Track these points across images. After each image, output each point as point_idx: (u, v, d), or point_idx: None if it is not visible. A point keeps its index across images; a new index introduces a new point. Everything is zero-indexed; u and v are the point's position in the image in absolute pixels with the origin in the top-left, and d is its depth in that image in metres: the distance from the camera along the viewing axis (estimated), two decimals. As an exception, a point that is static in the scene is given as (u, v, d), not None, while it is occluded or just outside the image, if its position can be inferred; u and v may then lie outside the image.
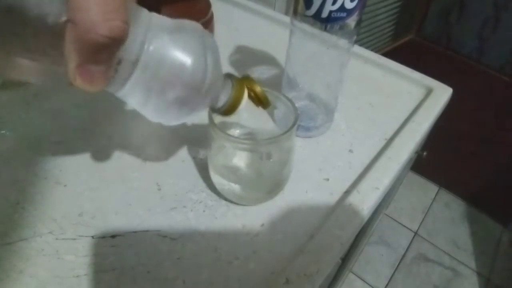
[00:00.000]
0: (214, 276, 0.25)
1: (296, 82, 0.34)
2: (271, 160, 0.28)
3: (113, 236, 0.26)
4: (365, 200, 0.29)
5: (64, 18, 0.14)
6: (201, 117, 0.34)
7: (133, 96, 0.20)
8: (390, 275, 1.24)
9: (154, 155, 0.32)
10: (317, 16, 0.28)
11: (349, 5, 0.27)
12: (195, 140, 0.34)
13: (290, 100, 0.27)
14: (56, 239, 0.26)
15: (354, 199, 0.29)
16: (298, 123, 0.25)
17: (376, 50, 1.29)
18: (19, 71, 0.16)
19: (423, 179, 1.57)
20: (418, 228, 1.39)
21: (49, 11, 0.14)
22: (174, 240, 0.26)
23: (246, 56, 0.46)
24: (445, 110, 0.43)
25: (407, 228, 1.39)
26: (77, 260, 0.25)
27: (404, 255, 1.30)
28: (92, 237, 0.26)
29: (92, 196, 0.29)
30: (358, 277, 1.21)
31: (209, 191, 0.30)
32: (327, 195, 0.30)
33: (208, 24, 0.47)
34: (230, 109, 0.23)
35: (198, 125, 0.35)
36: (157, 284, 0.24)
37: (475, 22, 1.34)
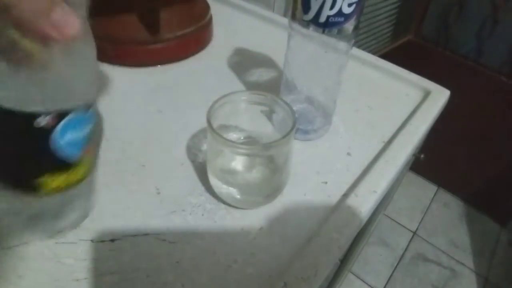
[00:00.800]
0: (213, 280, 0.25)
1: (294, 85, 0.34)
2: (269, 164, 0.28)
3: (112, 240, 0.26)
4: (363, 203, 0.30)
5: None
6: (200, 120, 0.34)
7: None
8: (389, 275, 1.24)
9: (153, 158, 0.32)
10: (315, 21, 0.28)
11: (346, 10, 0.27)
12: (194, 143, 0.34)
13: (288, 105, 0.27)
14: (56, 243, 0.26)
15: (352, 202, 0.30)
16: (296, 127, 0.26)
17: (374, 50, 1.29)
18: None
19: (422, 179, 1.58)
20: (417, 228, 1.40)
21: None
22: (173, 243, 0.26)
23: (245, 58, 0.47)
24: (443, 110, 0.43)
25: (405, 228, 1.40)
26: (76, 264, 0.25)
27: (403, 255, 1.31)
28: (92, 240, 0.26)
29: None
30: (357, 277, 1.22)
31: (208, 195, 0.30)
32: (325, 198, 0.31)
33: (207, 26, 0.47)
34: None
35: (197, 128, 0.35)
36: (156, 288, 0.24)
37: (473, 23, 1.34)
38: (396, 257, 1.30)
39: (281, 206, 0.30)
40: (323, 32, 0.28)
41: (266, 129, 0.31)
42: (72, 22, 0.15)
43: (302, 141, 0.35)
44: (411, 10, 1.38)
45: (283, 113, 0.27)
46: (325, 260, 0.26)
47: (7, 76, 0.16)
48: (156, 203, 0.29)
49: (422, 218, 1.44)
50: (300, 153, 0.34)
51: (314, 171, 0.33)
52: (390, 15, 1.27)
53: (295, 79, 0.34)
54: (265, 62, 0.46)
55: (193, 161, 0.32)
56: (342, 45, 0.30)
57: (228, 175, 0.28)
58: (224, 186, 0.28)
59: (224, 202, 0.29)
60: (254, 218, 0.29)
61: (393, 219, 1.42)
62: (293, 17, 0.29)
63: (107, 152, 0.32)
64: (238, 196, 0.28)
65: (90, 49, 0.19)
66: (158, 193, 0.30)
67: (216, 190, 0.29)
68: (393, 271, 1.25)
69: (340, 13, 0.27)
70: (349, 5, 0.27)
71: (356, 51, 0.48)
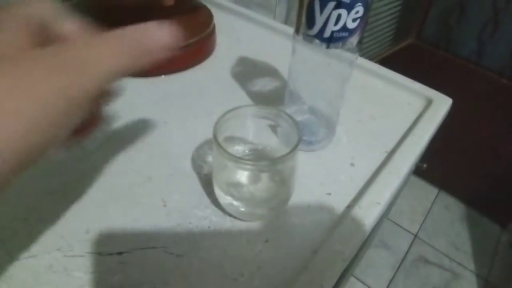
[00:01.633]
0: (219, 293, 0.25)
1: (298, 96, 0.35)
2: (275, 177, 0.29)
3: (119, 253, 0.27)
4: (367, 216, 0.30)
5: None
6: (204, 130, 0.35)
7: None
8: (391, 278, 1.24)
9: (159, 171, 0.33)
10: (319, 36, 0.28)
11: (351, 25, 0.28)
12: (199, 155, 0.34)
13: (292, 119, 0.27)
14: (64, 256, 0.26)
15: (355, 214, 0.30)
16: (300, 142, 0.26)
17: (376, 54, 1.30)
18: None
19: (423, 181, 1.58)
20: (418, 230, 1.40)
21: None
22: (180, 256, 0.27)
23: (248, 67, 0.47)
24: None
25: (407, 230, 1.40)
26: (85, 277, 0.25)
27: (404, 258, 1.31)
28: (100, 253, 0.27)
29: (98, 213, 0.29)
30: (359, 280, 1.22)
31: (213, 207, 0.30)
32: (329, 210, 0.31)
33: (210, 35, 0.48)
34: None
35: (201, 139, 0.35)
36: (164, 301, 0.25)
37: (474, 25, 1.34)
38: (397, 259, 1.30)
39: (286, 218, 0.30)
40: (328, 47, 0.29)
41: (271, 142, 0.32)
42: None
43: (306, 152, 0.36)
44: (412, 13, 1.38)
45: (288, 127, 0.28)
46: (330, 274, 0.26)
47: None
48: (163, 216, 0.29)
49: (423, 221, 1.44)
50: (304, 165, 0.35)
51: (318, 183, 0.33)
52: (391, 19, 1.27)
53: (299, 90, 0.34)
54: (268, 71, 0.46)
55: (198, 173, 0.33)
56: (346, 58, 0.31)
57: (233, 188, 0.29)
58: (230, 199, 0.28)
59: (229, 215, 0.30)
60: (260, 230, 0.29)
61: (394, 222, 1.42)
62: (297, 31, 0.30)
63: (114, 164, 0.33)
64: (243, 209, 0.28)
65: None
66: (165, 205, 0.30)
67: (222, 202, 0.29)
68: (395, 274, 1.25)
69: (344, 28, 0.28)
70: (354, 20, 0.27)
71: (358, 60, 0.48)
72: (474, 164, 1.41)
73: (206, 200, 0.31)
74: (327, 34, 0.28)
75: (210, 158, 0.34)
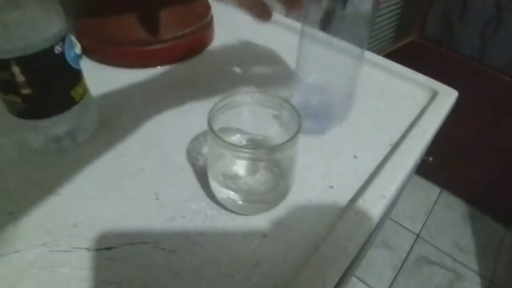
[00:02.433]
0: (214, 291, 0.24)
1: (305, 85, 0.33)
2: (273, 168, 0.27)
3: (108, 248, 0.25)
4: (372, 209, 0.28)
5: None
6: (200, 122, 0.33)
7: None
8: (393, 278, 1.23)
9: (152, 162, 0.31)
10: None
11: None
12: (194, 146, 0.33)
13: (292, 105, 0.26)
14: (50, 251, 0.25)
15: (360, 207, 0.28)
16: (300, 131, 0.24)
17: (378, 51, 1.28)
18: None
19: (425, 181, 1.56)
20: (420, 230, 1.38)
21: None
22: (172, 252, 0.25)
23: (246, 59, 0.45)
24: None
25: (409, 230, 1.38)
26: (72, 273, 0.24)
27: (406, 258, 1.29)
28: (87, 249, 0.25)
29: (87, 206, 0.28)
30: (360, 280, 1.20)
31: (209, 200, 0.29)
32: (331, 204, 0.29)
33: (208, 26, 0.46)
34: None
35: (197, 131, 0.34)
36: (155, 300, 0.23)
37: (477, 23, 1.33)
38: (399, 259, 1.28)
39: (285, 212, 0.28)
40: (344, 5, 0.27)
41: (269, 132, 0.30)
42: None
43: (306, 144, 0.34)
44: (414, 10, 1.36)
45: (288, 114, 0.26)
46: (333, 270, 0.24)
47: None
48: (155, 209, 0.28)
49: (426, 221, 1.42)
50: (304, 156, 0.33)
51: (319, 175, 0.32)
52: (392, 16, 1.26)
53: (307, 79, 0.33)
54: (267, 62, 0.45)
55: (193, 165, 0.31)
56: (355, 48, 0.29)
57: (230, 180, 0.27)
58: (226, 192, 0.27)
59: (226, 208, 0.28)
60: (258, 225, 0.27)
61: (396, 222, 1.40)
62: (305, 17, 0.28)
63: (105, 156, 0.31)
64: (240, 202, 0.27)
65: None
66: (157, 198, 0.29)
67: (218, 195, 0.28)
68: (397, 274, 1.24)
69: None
70: None
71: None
72: (477, 163, 1.39)
73: (201, 193, 0.29)
74: None
75: (205, 150, 0.32)
